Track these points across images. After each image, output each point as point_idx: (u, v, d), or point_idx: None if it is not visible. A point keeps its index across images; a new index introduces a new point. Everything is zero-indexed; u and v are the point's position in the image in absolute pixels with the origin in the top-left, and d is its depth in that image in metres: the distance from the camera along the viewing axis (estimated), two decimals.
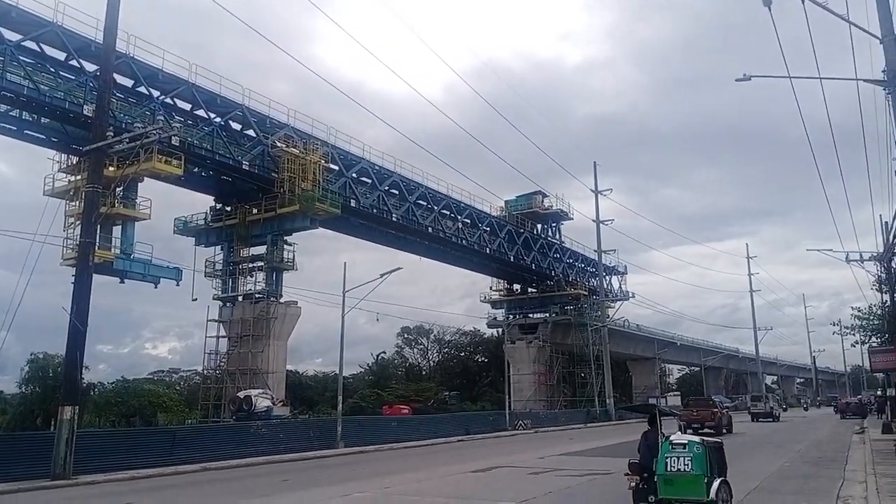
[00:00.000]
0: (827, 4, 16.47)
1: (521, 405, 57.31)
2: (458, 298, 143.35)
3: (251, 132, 39.25)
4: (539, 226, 65.46)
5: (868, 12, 16.91)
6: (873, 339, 45.39)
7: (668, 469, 9.95)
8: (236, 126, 39.27)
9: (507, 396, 46.99)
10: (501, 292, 68.43)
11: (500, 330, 71.24)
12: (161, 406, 46.08)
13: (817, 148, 23.45)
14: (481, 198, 56.99)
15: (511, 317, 68.12)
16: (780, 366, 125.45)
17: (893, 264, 28.85)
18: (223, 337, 41.32)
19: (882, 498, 11.73)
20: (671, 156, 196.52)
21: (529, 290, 67.35)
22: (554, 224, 67.39)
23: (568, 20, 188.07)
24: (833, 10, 16.47)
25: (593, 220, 60.31)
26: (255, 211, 40.93)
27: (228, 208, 42.10)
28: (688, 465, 9.83)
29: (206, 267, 42.13)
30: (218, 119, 37.26)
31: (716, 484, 9.79)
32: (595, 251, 62.51)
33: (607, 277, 68.36)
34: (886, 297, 31.46)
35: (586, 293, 65.32)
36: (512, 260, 59.65)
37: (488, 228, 57.23)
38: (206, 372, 43.82)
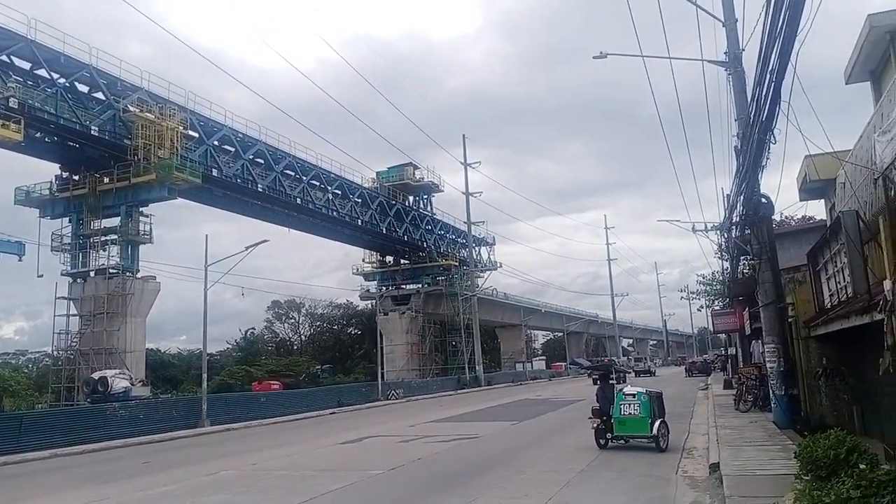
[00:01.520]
0: None
1: (395, 375, 57.75)
2: (330, 271, 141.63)
3: (100, 95, 36.50)
4: (411, 198, 65.71)
5: None
6: (717, 303, 49.39)
7: (622, 413, 13.86)
8: (83, 88, 36.37)
9: (379, 367, 47.13)
10: (374, 264, 68.29)
11: (373, 302, 71.22)
12: (7, 390, 42.82)
13: (670, 123, 24.85)
14: (352, 169, 56.41)
15: (384, 288, 68.23)
16: (635, 329, 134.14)
17: (733, 234, 31.27)
18: (74, 315, 38.55)
19: (721, 448, 12.72)
20: (541, 129, 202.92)
21: (402, 261, 67.62)
22: (425, 196, 67.86)
23: None
24: None
25: (463, 193, 61.26)
26: (106, 180, 38.20)
27: (77, 177, 39.05)
28: (637, 409, 13.74)
29: (52, 240, 39.05)
30: (62, 80, 34.37)
31: (657, 423, 13.66)
32: (465, 223, 63.59)
33: (477, 248, 69.88)
34: (727, 264, 34.06)
35: (457, 264, 66.44)
36: (384, 232, 59.52)
37: (360, 200, 56.69)
38: (56, 353, 40.87)
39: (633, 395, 13.90)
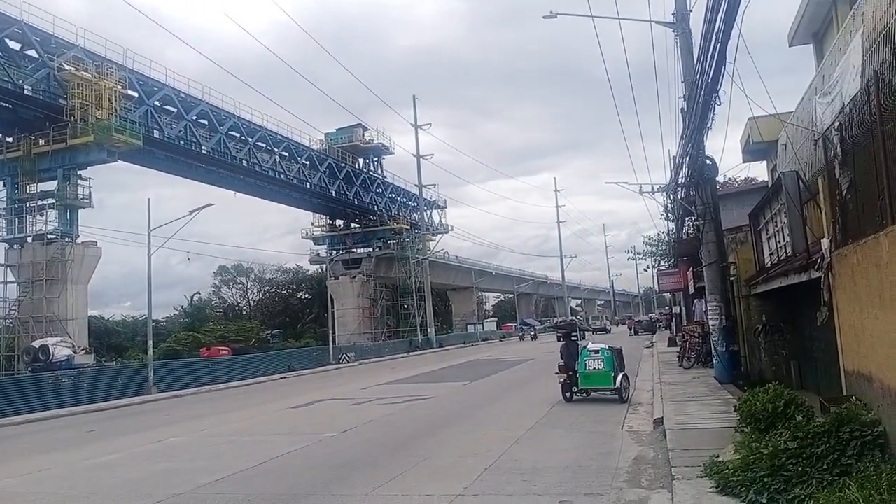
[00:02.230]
0: None
1: (346, 339, 57.71)
2: (279, 235, 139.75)
3: (33, 53, 34.84)
4: (361, 160, 64.96)
5: None
6: (662, 263, 50.50)
7: (587, 368, 14.75)
8: (14, 45, 34.69)
9: (331, 332, 46.96)
10: (324, 228, 67.59)
11: (323, 266, 70.68)
12: None
13: (620, 85, 24.94)
14: (300, 130, 55.41)
15: (334, 252, 67.73)
16: (584, 290, 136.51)
17: (679, 195, 31.84)
18: (12, 283, 37.30)
19: (665, 403, 13.10)
20: (494, 90, 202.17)
21: (352, 225, 67.10)
22: (376, 158, 67.16)
23: None
24: None
25: (414, 155, 60.80)
26: (42, 142, 36.71)
27: (10, 139, 37.39)
28: (600, 364, 14.67)
29: None
30: None
31: (619, 376, 14.68)
32: (416, 185, 63.27)
33: (428, 211, 69.73)
34: (673, 225, 34.74)
35: (408, 227, 66.24)
36: (333, 195, 58.83)
37: (308, 162, 55.77)
38: None
39: (597, 351, 14.83)
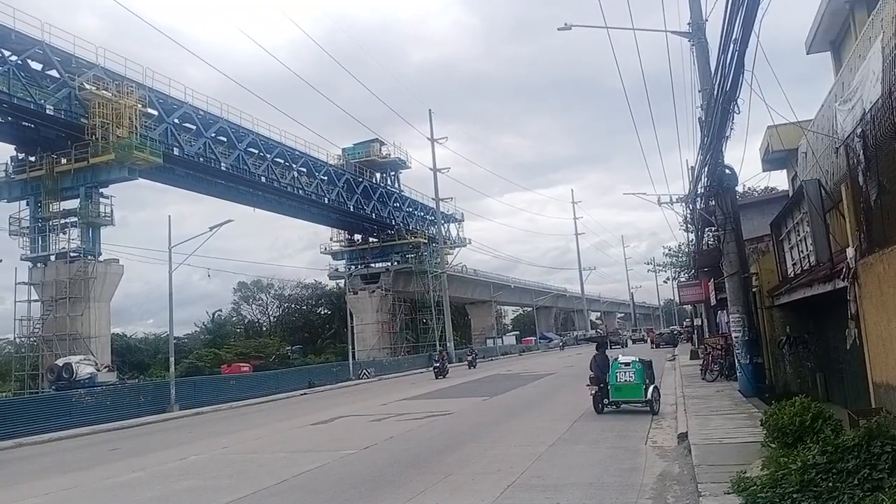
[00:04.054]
0: None
1: (366, 354, 57.68)
2: (299, 251, 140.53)
3: (54, 73, 35.43)
4: (378, 174, 65.21)
5: None
6: (682, 274, 50.04)
7: (619, 380, 14.93)
8: (37, 66, 35.29)
9: (350, 347, 46.97)
10: (342, 243, 67.82)
11: (342, 281, 70.86)
12: None
13: (636, 96, 24.87)
14: (318, 146, 55.77)
15: (353, 267, 67.88)
16: (603, 302, 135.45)
17: (698, 205, 31.61)
18: (36, 301, 37.72)
19: (689, 417, 12.91)
20: (508, 104, 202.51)
21: (371, 239, 67.24)
22: (392, 173, 67.37)
23: None
24: None
25: (431, 169, 60.91)
26: (64, 161, 37.23)
27: (33, 158, 37.96)
28: (632, 376, 14.81)
29: (10, 224, 38.06)
30: (14, 57, 33.27)
31: (650, 388, 14.80)
32: (433, 199, 63.36)
33: (445, 225, 69.74)
34: (693, 236, 34.47)
35: (426, 241, 66.26)
36: (351, 210, 59.05)
37: (326, 178, 56.10)
38: (18, 340, 40.01)
39: (628, 364, 14.99)
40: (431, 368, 37.67)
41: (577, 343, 72.06)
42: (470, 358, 46.08)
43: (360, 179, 60.09)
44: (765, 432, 8.92)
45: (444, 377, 35.17)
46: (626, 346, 68.18)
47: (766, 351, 17.19)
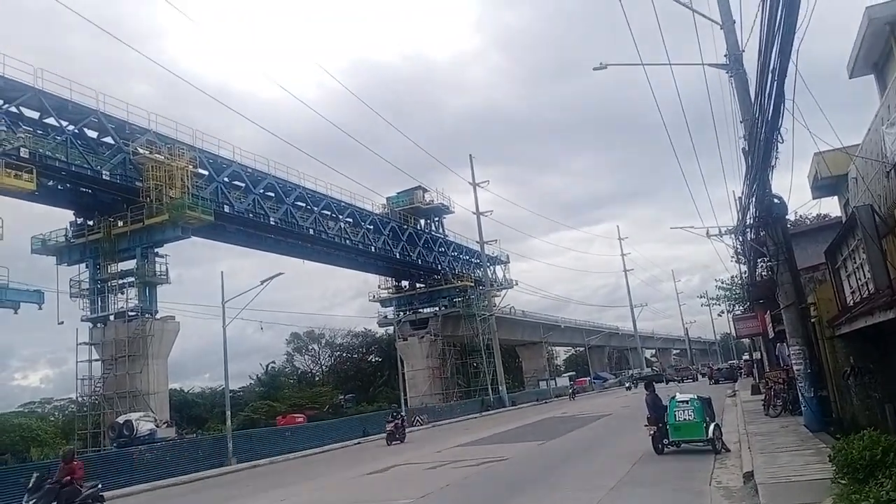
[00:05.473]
0: None
1: (418, 401, 57.44)
2: (350, 299, 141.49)
3: (109, 139, 37.03)
4: (422, 221, 65.81)
5: (710, 1, 18.00)
6: (737, 307, 48.79)
7: (677, 419, 14.42)
8: (92, 133, 36.91)
9: (402, 394, 46.89)
10: (390, 290, 68.27)
11: (391, 328, 71.12)
12: (34, 440, 42.92)
13: (675, 129, 24.79)
14: (362, 196, 56.68)
15: (401, 314, 68.12)
16: (657, 339, 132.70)
17: (748, 236, 30.99)
18: (96, 360, 38.76)
19: (754, 455, 12.48)
20: (548, 144, 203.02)
21: (417, 285, 67.54)
22: (436, 218, 67.92)
23: (434, 13, 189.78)
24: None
25: (474, 213, 61.25)
26: (120, 223, 38.66)
27: (91, 222, 39.50)
28: (691, 415, 14.33)
29: (70, 287, 39.40)
30: (71, 127, 34.92)
31: (711, 427, 14.21)
32: (478, 242, 63.51)
33: (491, 267, 69.74)
34: (745, 267, 33.68)
35: (472, 284, 66.25)
36: (398, 257, 59.59)
37: (371, 227, 56.86)
38: (80, 399, 41.01)
39: (686, 402, 14.58)
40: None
41: (635, 382, 69.84)
42: (391, 426, 29.75)
43: (405, 226, 60.76)
44: (834, 468, 8.58)
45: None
46: (696, 379, 67.19)
47: (830, 383, 16.56)
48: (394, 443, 28.91)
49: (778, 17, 9.54)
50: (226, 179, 42.92)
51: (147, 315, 38.17)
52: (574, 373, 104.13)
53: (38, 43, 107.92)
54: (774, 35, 10.11)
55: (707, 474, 11.93)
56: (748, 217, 20.77)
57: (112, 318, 38.93)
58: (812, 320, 16.90)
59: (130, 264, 39.44)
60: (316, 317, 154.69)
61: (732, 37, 17.35)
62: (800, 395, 16.74)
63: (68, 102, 34.04)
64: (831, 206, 26.71)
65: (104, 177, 36.07)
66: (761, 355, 36.30)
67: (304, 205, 49.30)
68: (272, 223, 45.58)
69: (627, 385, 72.62)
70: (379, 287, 68.50)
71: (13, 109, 32.71)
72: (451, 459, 19.30)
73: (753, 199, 17.87)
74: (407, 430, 30.89)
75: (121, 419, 32.29)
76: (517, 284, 73.93)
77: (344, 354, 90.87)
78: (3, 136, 29.95)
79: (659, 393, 16.05)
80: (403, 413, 34.60)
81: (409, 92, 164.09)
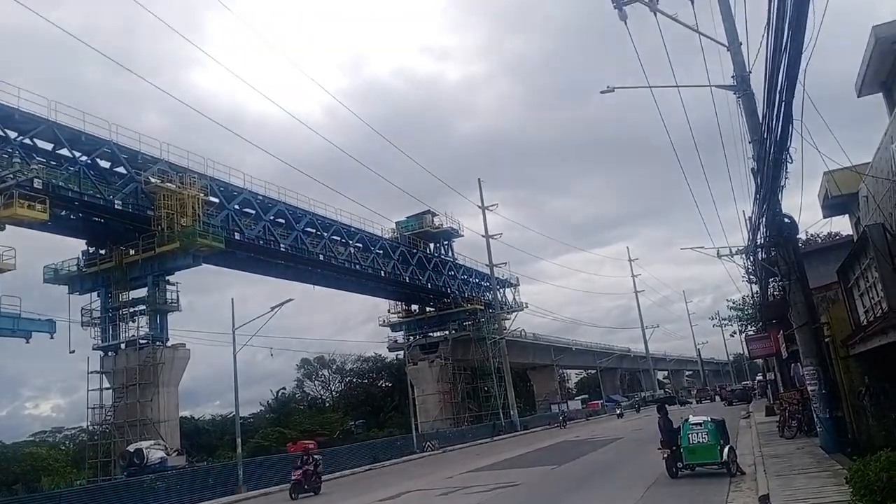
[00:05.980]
0: (678, 17, 17.53)
1: (429, 426, 57.06)
2: (360, 324, 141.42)
3: (121, 169, 37.34)
4: (431, 245, 65.86)
5: (715, 23, 18.12)
6: (749, 327, 48.35)
7: (691, 442, 14.30)
8: (105, 164, 37.26)
9: (413, 419, 46.61)
10: (400, 314, 68.17)
11: (401, 353, 70.90)
12: (45, 469, 42.85)
13: (684, 150, 24.80)
14: (372, 221, 56.86)
15: (411, 338, 67.93)
16: (669, 361, 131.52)
17: (759, 256, 30.85)
18: (107, 389, 38.76)
19: (770, 478, 12.32)
20: (557, 167, 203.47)
21: (427, 309, 67.40)
22: (446, 242, 67.98)
23: (442, 39, 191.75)
24: (684, 23, 17.54)
25: (483, 236, 61.30)
26: (132, 252, 38.84)
27: (103, 251, 39.75)
28: (705, 437, 14.21)
29: (82, 315, 39.53)
30: (84, 157, 35.26)
31: (726, 449, 14.08)
32: (487, 265, 63.48)
33: (501, 290, 69.57)
34: (756, 287, 33.48)
35: (482, 307, 66.07)
36: (407, 281, 59.58)
37: (381, 251, 56.95)
38: (91, 427, 40.95)
39: (700, 424, 14.42)
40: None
41: (646, 404, 68.41)
42: (299, 474, 23.08)
43: (415, 251, 60.82)
44: (851, 490, 8.46)
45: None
46: (713, 399, 66.37)
47: (845, 403, 16.36)
48: (302, 496, 22.61)
49: (785, 38, 9.59)
50: (236, 207, 43.19)
51: (158, 343, 38.22)
52: (587, 395, 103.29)
53: (53, 76, 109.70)
54: (781, 56, 10.16)
55: (722, 498, 11.78)
56: (759, 237, 20.70)
57: (123, 346, 39.01)
58: (826, 340, 16.76)
59: (142, 292, 39.58)
60: (326, 342, 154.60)
61: (739, 58, 17.44)
62: (815, 416, 16.55)
63: (82, 133, 34.43)
64: (842, 225, 26.56)
65: (116, 206, 36.32)
66: (775, 376, 35.91)
67: (314, 230, 49.49)
68: (282, 249, 45.73)
69: (619, 412, 65.90)
70: (389, 311, 68.42)
71: (27, 141, 33.11)
72: (464, 485, 19.13)
73: (764, 219, 17.83)
74: (322, 478, 24.20)
75: (131, 447, 32.12)
76: (527, 307, 73.74)
77: (354, 380, 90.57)
78: (17, 168, 30.28)
79: (671, 416, 15.90)
80: (318, 456, 25.01)
81: (417, 116, 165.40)
